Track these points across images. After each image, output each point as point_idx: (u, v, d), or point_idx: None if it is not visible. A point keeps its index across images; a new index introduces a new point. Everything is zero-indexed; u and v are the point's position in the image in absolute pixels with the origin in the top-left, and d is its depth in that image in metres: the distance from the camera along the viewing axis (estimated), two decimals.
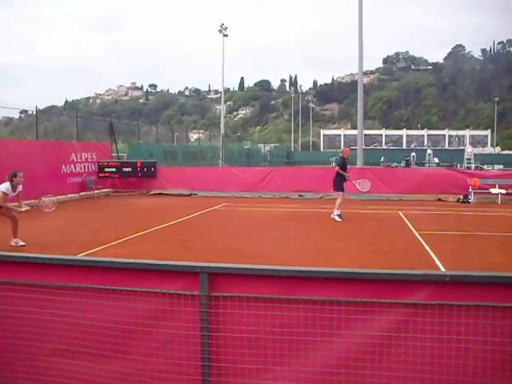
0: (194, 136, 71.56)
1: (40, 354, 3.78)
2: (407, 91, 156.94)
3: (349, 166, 18.47)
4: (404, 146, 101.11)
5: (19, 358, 3.83)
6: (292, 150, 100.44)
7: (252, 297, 3.25)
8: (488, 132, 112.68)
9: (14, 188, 13.00)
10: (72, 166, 26.26)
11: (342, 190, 17.24)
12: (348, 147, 22.81)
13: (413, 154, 63.94)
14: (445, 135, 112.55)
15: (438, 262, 10.80)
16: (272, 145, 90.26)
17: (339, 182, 17.24)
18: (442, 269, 10.10)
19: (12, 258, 3.85)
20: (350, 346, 3.18)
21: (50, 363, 3.77)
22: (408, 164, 57.43)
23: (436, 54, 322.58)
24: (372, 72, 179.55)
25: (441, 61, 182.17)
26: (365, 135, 35.01)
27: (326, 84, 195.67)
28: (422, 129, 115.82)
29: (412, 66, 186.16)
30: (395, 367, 3.11)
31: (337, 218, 16.95)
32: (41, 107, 26.37)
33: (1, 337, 3.86)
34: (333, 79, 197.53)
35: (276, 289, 3.23)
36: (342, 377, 3.17)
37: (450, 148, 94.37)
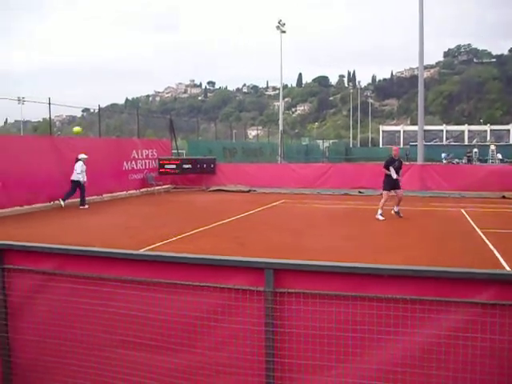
0: (252, 133, 71.91)
1: (107, 345, 3.87)
2: (469, 85, 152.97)
3: (408, 163, 18.06)
4: (466, 142, 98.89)
5: (86, 348, 3.93)
6: (351, 146, 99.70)
7: (317, 293, 3.24)
8: None
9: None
10: (133, 162, 26.77)
11: (389, 190, 16.92)
12: (397, 146, 22.35)
13: (475, 149, 62.43)
14: (509, 130, 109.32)
15: (502, 261, 10.55)
16: (330, 141, 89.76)
17: (386, 182, 16.96)
18: (507, 268, 9.86)
19: (82, 252, 3.95)
20: (415, 344, 3.12)
21: (116, 354, 3.84)
22: (470, 160, 56.08)
23: (500, 46, 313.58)
24: (432, 66, 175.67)
25: (506, 53, 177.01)
26: (425, 131, 34.29)
27: (384, 79, 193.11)
28: (485, 124, 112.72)
29: (474, 59, 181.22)
30: (462, 368, 3.05)
31: (379, 217, 16.67)
32: (102, 105, 26.82)
33: (70, 327, 3.96)
34: (392, 74, 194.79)
35: (341, 286, 3.21)
36: (407, 376, 3.12)
37: None
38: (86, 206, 20.92)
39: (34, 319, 4.13)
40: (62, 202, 20.71)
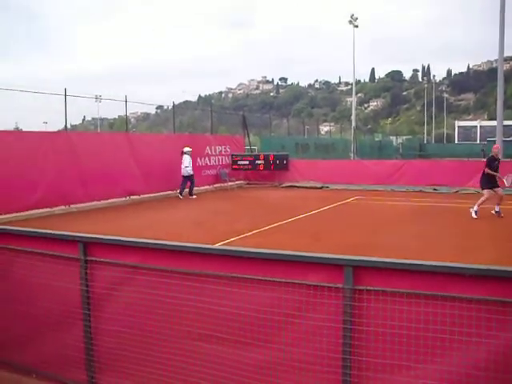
0: (324, 129, 71.50)
1: (187, 338, 3.95)
2: None
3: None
4: None
5: (167, 340, 4.03)
6: (425, 142, 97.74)
7: (396, 291, 3.21)
8: None
9: None
10: (207, 158, 27.10)
11: (488, 188, 16.36)
12: (497, 144, 21.54)
13: None
14: None
15: None
16: (404, 137, 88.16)
17: (485, 181, 16.44)
18: None
19: (163, 246, 4.04)
20: (498, 347, 3.04)
21: (196, 347, 3.92)
22: None
23: None
24: None
25: None
26: (504, 126, 33.21)
27: (460, 73, 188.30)
28: None
29: None
30: None
31: (473, 215, 16.23)
32: (176, 103, 27.25)
33: (150, 319, 4.07)
34: (468, 67, 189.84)
35: (421, 284, 3.17)
36: (490, 381, 3.03)
37: None
38: (194, 196, 23.31)
39: (115, 310, 4.27)
40: (180, 196, 22.97)
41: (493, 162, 16.19)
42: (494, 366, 3.02)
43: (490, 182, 16.16)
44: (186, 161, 23.02)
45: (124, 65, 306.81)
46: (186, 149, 23.11)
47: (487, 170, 16.11)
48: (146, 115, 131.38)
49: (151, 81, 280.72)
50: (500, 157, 17.22)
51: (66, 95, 18.75)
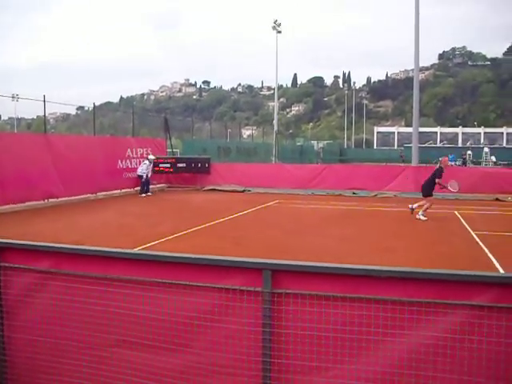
0: (246, 132, 71.97)
1: (102, 345, 3.87)
2: (464, 88, 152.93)
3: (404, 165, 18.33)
4: (460, 144, 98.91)
5: (82, 347, 3.92)
6: (345, 147, 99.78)
7: (314, 294, 3.24)
8: None
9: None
10: (128, 161, 26.74)
11: (432, 195, 17.70)
12: (446, 156, 22.91)
13: (469, 152, 62.44)
14: (503, 133, 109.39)
15: (496, 264, 10.57)
16: (325, 142, 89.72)
17: (429, 188, 17.74)
18: (501, 271, 9.88)
19: (79, 251, 3.95)
20: (411, 346, 3.13)
21: (112, 353, 3.84)
22: (465, 162, 56.04)
23: (495, 49, 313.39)
24: (427, 68, 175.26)
25: (500, 56, 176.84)
26: (419, 133, 34.33)
27: (379, 80, 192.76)
28: (479, 126, 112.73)
29: (469, 62, 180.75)
30: (458, 370, 3.06)
31: (422, 218, 17.00)
32: (97, 104, 26.84)
33: (66, 326, 3.96)
34: (387, 75, 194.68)
35: (338, 287, 3.22)
36: (404, 377, 3.13)
37: (508, 146, 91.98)
38: (147, 194, 25.58)
39: (29, 318, 4.12)
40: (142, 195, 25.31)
41: (441, 173, 17.46)
42: (408, 364, 3.11)
43: (432, 189, 17.55)
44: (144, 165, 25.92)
45: (44, 63, 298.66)
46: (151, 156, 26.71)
47: (438, 181, 17.46)
48: (66, 116, 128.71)
49: (72, 80, 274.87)
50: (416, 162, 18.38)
51: None
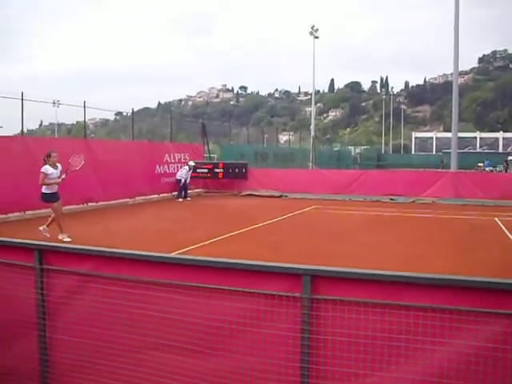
0: (283, 138, 71.92)
1: (141, 347, 3.90)
2: (504, 92, 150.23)
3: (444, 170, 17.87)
4: (500, 150, 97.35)
5: (120, 349, 3.96)
6: (383, 152, 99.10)
7: (354, 301, 3.23)
8: None
9: (54, 167, 13.70)
10: (166, 166, 26.96)
11: None
12: None
13: (510, 157, 61.45)
14: None
15: None
16: (362, 147, 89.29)
17: None
18: None
19: (118, 255, 3.99)
20: (452, 355, 3.08)
21: (151, 356, 3.88)
22: (507, 168, 54.98)
23: None
24: (467, 72, 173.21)
25: None
26: (458, 138, 33.92)
27: (417, 85, 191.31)
28: None
29: (510, 65, 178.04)
30: (500, 380, 3.01)
31: None
32: (135, 109, 27.18)
33: (105, 328, 4.01)
34: (425, 80, 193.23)
35: (378, 293, 3.19)
36: None
37: None
38: (186, 199, 25.81)
39: (70, 319, 4.19)
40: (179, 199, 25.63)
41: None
42: (448, 373, 3.06)
43: None
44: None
45: (83, 69, 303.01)
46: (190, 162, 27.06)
47: None
48: (105, 121, 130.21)
49: (111, 86, 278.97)
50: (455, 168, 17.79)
51: (22, 99, 18.49)
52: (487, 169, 56.26)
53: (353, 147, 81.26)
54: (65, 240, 13.08)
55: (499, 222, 17.64)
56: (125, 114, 29.78)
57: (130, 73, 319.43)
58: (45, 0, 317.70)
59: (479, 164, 60.10)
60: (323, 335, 3.34)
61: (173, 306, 3.72)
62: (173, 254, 6.35)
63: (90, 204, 21.10)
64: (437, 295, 3.10)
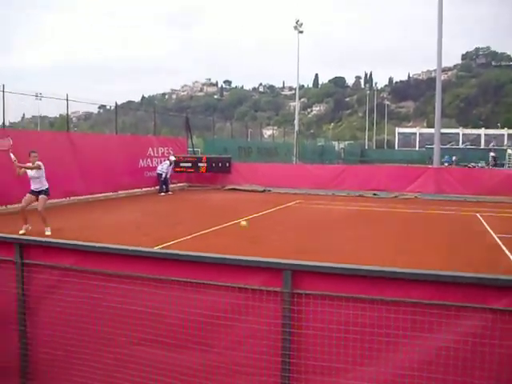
0: (267, 132, 71.78)
1: (122, 342, 3.90)
2: (487, 88, 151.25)
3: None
4: (482, 146, 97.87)
5: (103, 344, 3.96)
6: (366, 147, 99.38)
7: (335, 295, 3.24)
8: None
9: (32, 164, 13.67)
10: (149, 160, 26.89)
11: None
12: None
13: (492, 153, 61.81)
14: None
15: None
16: (346, 142, 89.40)
17: None
18: None
19: (100, 249, 3.98)
20: (432, 349, 3.11)
21: (132, 351, 3.88)
22: (496, 163, 54.77)
23: None
24: (450, 68, 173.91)
25: None
26: (441, 134, 34.08)
27: (401, 81, 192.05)
28: (502, 128, 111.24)
29: (493, 62, 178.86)
30: (478, 374, 3.03)
31: None
32: (119, 102, 27.03)
33: (87, 323, 4.00)
34: (409, 76, 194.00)
35: (359, 288, 3.21)
36: (424, 380, 3.11)
37: None
38: (167, 193, 25.95)
39: (51, 314, 4.17)
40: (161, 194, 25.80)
41: None
42: (427, 367, 3.09)
43: None
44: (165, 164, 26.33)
45: (66, 62, 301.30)
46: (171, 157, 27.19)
47: None
48: (89, 114, 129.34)
49: (94, 79, 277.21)
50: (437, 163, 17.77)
51: (3, 91, 18.31)
52: (446, 164, 56.08)
53: (337, 142, 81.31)
54: (20, 232, 12.98)
55: (480, 218, 17.78)
56: (108, 107, 29.55)
57: (114, 66, 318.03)
58: None
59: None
60: (304, 329, 3.35)
61: (155, 301, 3.72)
62: (155, 249, 6.33)
63: (72, 198, 20.97)
64: (417, 290, 3.11)
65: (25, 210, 13.83)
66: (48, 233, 13.35)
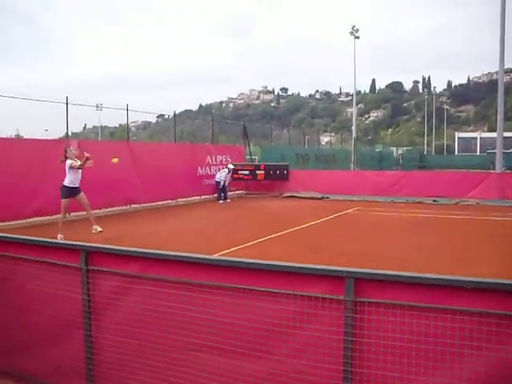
0: (324, 139, 71.46)
1: (185, 349, 3.95)
2: None
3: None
4: None
5: (166, 350, 4.02)
6: (425, 153, 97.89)
7: (398, 304, 3.21)
8: None
9: (76, 160, 13.96)
10: (207, 168, 27.12)
11: None
12: None
13: None
14: None
15: None
16: (404, 148, 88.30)
17: None
18: None
19: (164, 257, 4.05)
20: (498, 360, 3.04)
21: (194, 357, 3.93)
22: None
23: None
24: None
25: None
26: (504, 137, 33.18)
27: (460, 85, 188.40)
28: None
29: None
30: None
31: None
32: (177, 111, 27.41)
33: (149, 328, 4.09)
34: (468, 79, 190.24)
35: (423, 297, 3.17)
36: None
37: None
38: (226, 201, 25.94)
39: (116, 320, 4.26)
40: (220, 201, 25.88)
41: None
42: (494, 379, 3.02)
43: None
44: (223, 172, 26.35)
45: (124, 73, 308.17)
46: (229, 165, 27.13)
47: None
48: (147, 124, 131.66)
49: (152, 89, 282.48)
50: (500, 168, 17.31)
51: (67, 103, 18.80)
52: (503, 169, 53.97)
53: (395, 148, 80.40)
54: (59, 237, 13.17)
55: None
56: (166, 116, 30.25)
57: (171, 75, 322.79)
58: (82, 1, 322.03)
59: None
60: (366, 338, 3.33)
61: (216, 308, 3.76)
62: (215, 256, 6.38)
63: (132, 205, 21.35)
64: (482, 299, 3.05)
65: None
66: (100, 229, 13.69)
